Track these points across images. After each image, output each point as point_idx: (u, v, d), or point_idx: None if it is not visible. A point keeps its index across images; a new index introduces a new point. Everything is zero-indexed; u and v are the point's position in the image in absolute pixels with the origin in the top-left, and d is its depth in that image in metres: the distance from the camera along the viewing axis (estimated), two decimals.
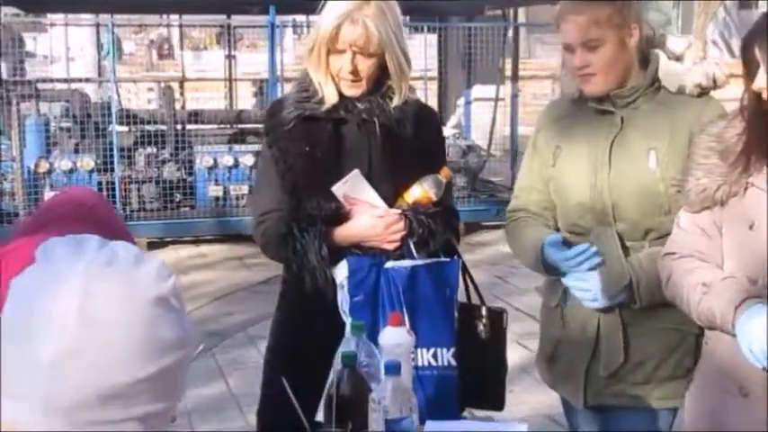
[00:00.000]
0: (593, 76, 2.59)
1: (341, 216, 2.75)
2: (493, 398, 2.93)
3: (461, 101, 10.85)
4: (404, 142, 2.81)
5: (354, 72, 2.72)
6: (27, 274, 1.16)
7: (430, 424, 2.49)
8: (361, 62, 2.72)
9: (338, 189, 2.75)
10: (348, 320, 2.68)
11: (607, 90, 2.61)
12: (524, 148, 9.47)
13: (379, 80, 2.78)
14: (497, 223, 8.95)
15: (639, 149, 2.60)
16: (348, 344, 2.35)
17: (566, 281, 2.66)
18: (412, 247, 2.77)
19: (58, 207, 1.95)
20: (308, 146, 2.80)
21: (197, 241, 8.84)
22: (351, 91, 2.76)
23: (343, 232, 2.75)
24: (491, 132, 10.38)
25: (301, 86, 2.82)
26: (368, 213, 2.74)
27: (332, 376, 2.58)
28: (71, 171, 8.26)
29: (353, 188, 2.76)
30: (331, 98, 2.76)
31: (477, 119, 10.75)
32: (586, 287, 2.61)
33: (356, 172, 2.75)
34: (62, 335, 1.10)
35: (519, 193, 2.90)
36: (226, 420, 4.98)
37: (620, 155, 2.62)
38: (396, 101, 2.79)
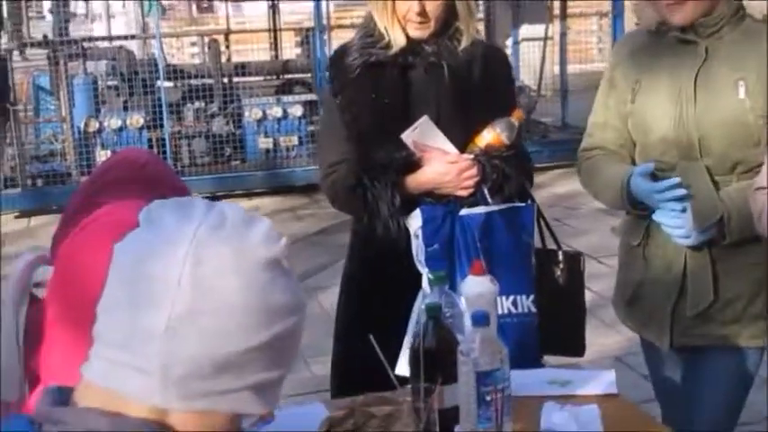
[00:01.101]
0: (684, 3, 2.47)
1: (412, 164, 2.67)
2: (572, 344, 2.87)
3: (509, 41, 10.65)
4: (473, 85, 2.71)
5: (422, 13, 2.63)
6: (133, 239, 1.10)
7: (514, 374, 2.43)
8: (429, 2, 2.62)
9: (408, 136, 2.67)
10: (424, 271, 2.62)
11: (696, 18, 2.50)
12: (574, 87, 9.34)
13: (447, 22, 2.68)
14: (550, 165, 8.84)
15: (726, 80, 2.50)
16: (430, 295, 2.28)
17: (656, 217, 2.56)
18: (486, 192, 2.69)
19: (112, 169, 1.90)
20: (375, 93, 2.72)
21: (249, 194, 8.81)
22: (418, 33, 2.67)
23: (415, 180, 2.67)
24: (540, 72, 10.20)
25: (365, 32, 2.74)
26: (439, 160, 2.66)
27: (411, 329, 2.53)
28: (121, 129, 8.24)
29: (423, 134, 2.68)
30: (398, 41, 2.67)
31: (526, 59, 10.55)
32: (678, 223, 2.51)
33: (425, 118, 2.67)
34: (176, 300, 1.05)
35: (593, 131, 2.80)
36: (290, 372, 4.96)
37: (705, 86, 2.51)
38: (464, 42, 2.70)
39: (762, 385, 3.11)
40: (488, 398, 1.97)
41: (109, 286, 1.10)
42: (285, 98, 8.84)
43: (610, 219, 7.11)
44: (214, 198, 8.68)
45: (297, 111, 8.63)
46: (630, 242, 2.77)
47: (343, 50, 2.80)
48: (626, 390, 4.30)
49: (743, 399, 2.73)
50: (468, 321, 2.21)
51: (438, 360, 2.10)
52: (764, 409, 3.74)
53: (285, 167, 8.59)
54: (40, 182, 8.43)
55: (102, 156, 7.98)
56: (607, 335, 4.93)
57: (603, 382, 2.38)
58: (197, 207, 1.12)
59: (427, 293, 2.50)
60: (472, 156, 2.69)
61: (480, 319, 2.04)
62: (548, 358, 2.86)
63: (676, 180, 2.48)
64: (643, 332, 2.81)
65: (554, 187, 8.30)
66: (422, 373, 2.07)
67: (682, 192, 2.47)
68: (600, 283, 5.00)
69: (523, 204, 2.75)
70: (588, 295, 5.21)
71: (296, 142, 8.59)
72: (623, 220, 2.86)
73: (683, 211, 2.48)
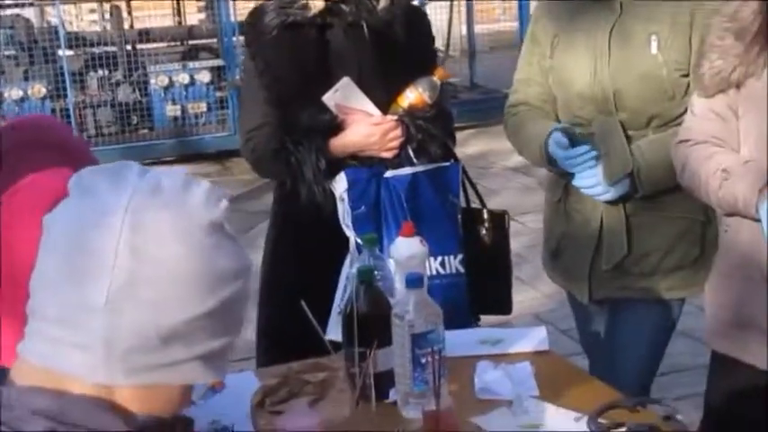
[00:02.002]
0: None
1: (335, 127, 2.63)
2: (501, 302, 2.87)
3: (416, 1, 10.59)
4: (394, 45, 2.67)
5: None
6: (64, 210, 1.04)
7: (446, 335, 2.42)
8: None
9: (329, 98, 2.63)
10: (352, 234, 2.58)
11: None
12: (481, 48, 9.34)
13: None
14: (459, 125, 8.80)
15: (640, 35, 2.51)
16: (359, 258, 2.25)
17: (574, 182, 2.58)
18: (411, 153, 2.67)
19: (12, 134, 1.80)
20: (294, 54, 2.66)
21: (158, 163, 8.63)
22: None
23: (339, 143, 2.63)
24: (448, 33, 10.18)
25: None
26: (363, 122, 2.63)
27: (340, 293, 2.50)
28: (22, 99, 7.99)
29: (345, 96, 2.63)
30: (317, 2, 2.61)
31: (434, 20, 10.49)
32: (593, 182, 2.54)
33: (346, 79, 2.62)
34: (115, 271, 0.99)
35: (518, 87, 2.80)
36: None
37: (619, 42, 2.52)
38: (383, 2, 2.65)
39: (678, 336, 3.18)
40: (424, 360, 1.95)
41: (41, 261, 1.04)
42: (192, 64, 8.67)
43: (521, 177, 7.20)
44: None
45: (204, 77, 8.48)
46: (552, 198, 2.79)
47: (259, 11, 2.73)
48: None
49: (663, 349, 2.78)
50: (399, 284, 2.19)
51: (371, 324, 2.07)
52: (683, 359, 3.84)
53: (194, 135, 8.44)
54: None
55: None
56: (526, 292, 4.99)
57: (535, 338, 2.39)
58: (131, 172, 1.06)
59: (356, 257, 2.48)
60: (396, 117, 2.65)
61: (415, 281, 2.02)
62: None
63: (586, 148, 2.49)
64: (566, 286, 2.85)
65: (465, 147, 8.32)
66: (355, 337, 2.05)
67: (592, 155, 2.49)
68: (515, 241, 5.01)
69: (448, 164, 2.73)
70: None
71: (204, 109, 8.43)
72: (546, 176, 2.88)
73: (594, 167, 2.51)
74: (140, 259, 0.99)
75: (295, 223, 2.74)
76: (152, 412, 1.03)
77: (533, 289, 5.10)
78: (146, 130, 8.63)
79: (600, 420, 1.49)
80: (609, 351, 2.76)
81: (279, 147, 2.61)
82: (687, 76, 2.50)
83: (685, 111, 2.41)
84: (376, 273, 2.23)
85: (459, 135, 9.34)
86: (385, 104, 2.67)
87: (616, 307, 2.73)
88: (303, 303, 2.10)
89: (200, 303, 1.01)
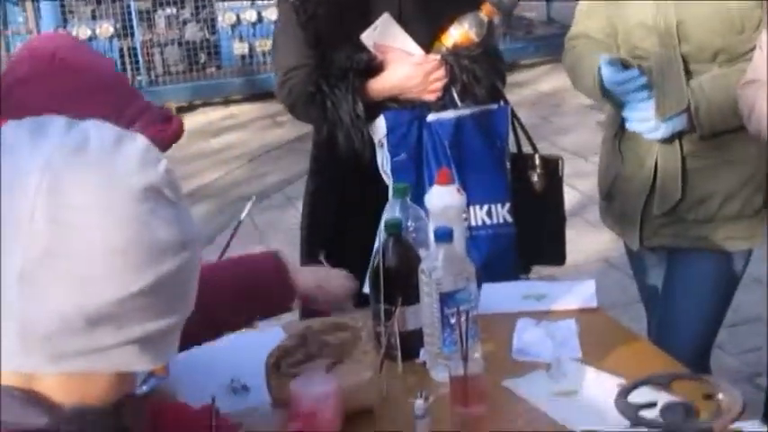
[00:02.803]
0: None
1: (374, 67, 2.48)
2: (553, 252, 2.72)
3: None
4: None
5: None
6: None
7: (486, 288, 2.28)
8: None
9: (368, 37, 2.48)
10: (391, 182, 2.45)
11: None
12: None
13: None
14: (535, 61, 8.60)
15: None
16: (392, 209, 2.12)
17: (624, 113, 2.40)
18: (455, 95, 2.51)
19: (19, 65, 1.65)
20: None
21: (226, 102, 8.57)
22: None
23: (378, 85, 2.48)
24: None
25: None
26: (404, 62, 2.47)
27: (377, 246, 2.37)
28: (90, 39, 7.93)
29: (385, 34, 2.48)
30: None
31: None
32: (644, 116, 2.36)
33: (386, 16, 2.47)
34: (29, 242, 0.86)
35: (579, 18, 2.64)
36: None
37: None
38: None
39: (751, 284, 2.99)
40: (453, 320, 1.82)
41: None
42: (259, 1, 8.53)
43: (596, 114, 6.92)
44: (190, 107, 8.49)
45: (272, 14, 8.31)
46: (608, 135, 2.62)
47: None
48: (613, 292, 4.24)
49: (725, 304, 2.59)
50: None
51: (399, 280, 1.95)
52: (758, 309, 3.63)
53: (262, 73, 8.32)
54: None
55: None
56: (593, 236, 4.77)
57: (582, 294, 2.23)
58: (54, 127, 0.92)
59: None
60: (439, 56, 2.49)
61: (443, 236, 1.88)
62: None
63: (635, 72, 2.31)
64: (618, 231, 2.68)
65: (539, 84, 8.09)
66: (381, 294, 1.92)
67: (641, 81, 2.30)
68: (586, 182, 4.83)
69: (496, 106, 2.57)
70: (574, 195, 5.11)
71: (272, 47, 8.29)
72: (606, 112, 2.70)
73: (648, 100, 2.33)
74: (59, 228, 0.86)
75: (333, 171, 2.61)
76: (83, 402, 0.92)
77: (602, 233, 4.91)
78: (213, 69, 8.54)
79: (629, 400, 1.34)
80: (665, 304, 2.59)
81: (314, 89, 2.48)
82: (759, 8, 2.30)
83: (755, 47, 2.23)
84: (410, 224, 2.10)
85: (534, 71, 9.11)
86: (427, 43, 2.51)
87: (672, 257, 2.56)
88: (322, 257, 1.98)
89: (133, 280, 0.88)
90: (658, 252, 2.60)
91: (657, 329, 2.59)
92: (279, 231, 5.40)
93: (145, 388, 0.96)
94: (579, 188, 5.19)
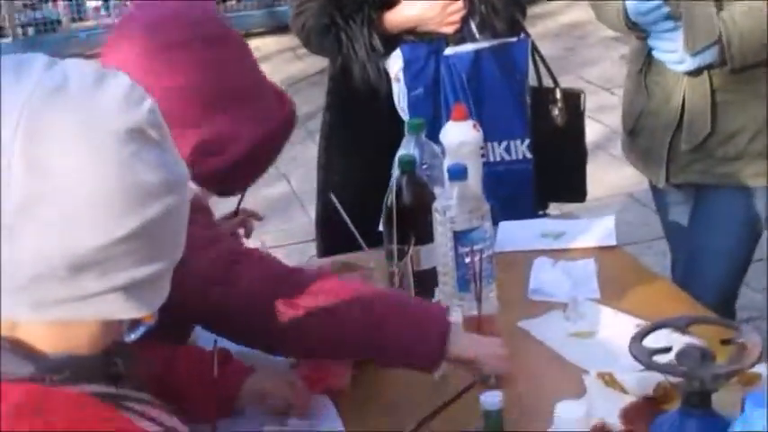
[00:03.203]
0: None
1: None
2: (573, 188, 2.66)
3: None
4: None
5: None
6: None
7: (504, 225, 2.24)
8: None
9: None
10: (407, 118, 2.39)
11: None
12: None
13: None
14: None
15: None
16: (407, 146, 2.07)
17: (649, 41, 2.32)
18: (474, 28, 2.44)
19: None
20: None
21: (248, 35, 8.47)
22: None
23: (394, 17, 2.42)
24: None
25: None
26: None
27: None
28: None
29: None
30: None
31: None
32: (670, 47, 2.28)
33: None
34: (8, 188, 0.83)
35: None
36: (288, 220, 4.83)
37: None
38: None
39: None
40: (467, 260, 1.78)
41: None
42: None
43: (620, 47, 6.78)
44: None
45: None
46: (633, 69, 2.53)
47: None
48: (636, 228, 4.19)
49: (752, 243, 2.53)
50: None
51: (413, 219, 1.91)
52: None
53: (283, 5, 8.22)
54: (30, 30, 8.15)
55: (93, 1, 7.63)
56: (618, 170, 4.69)
57: (601, 232, 2.19)
58: (36, 65, 0.88)
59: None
60: None
61: (457, 173, 1.84)
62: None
63: (660, 1, 2.22)
64: (643, 169, 2.60)
65: (562, 15, 7.92)
66: (395, 233, 1.88)
67: (664, 12, 2.22)
68: (610, 115, 4.73)
69: (515, 39, 2.49)
70: (598, 128, 5.03)
71: None
72: (631, 46, 2.61)
73: (674, 30, 2.24)
74: (39, 173, 0.83)
75: (348, 106, 2.56)
76: (69, 351, 0.89)
77: (626, 166, 4.84)
78: (233, 2, 8.47)
79: (643, 344, 1.30)
80: (690, 243, 2.53)
81: (328, 22, 2.42)
82: None
83: None
84: (425, 161, 2.06)
85: (555, 3, 8.89)
86: None
87: (698, 194, 2.49)
88: (332, 196, 1.94)
89: (117, 226, 0.85)
90: (684, 189, 2.53)
91: (683, 269, 2.53)
92: (299, 166, 5.36)
93: (133, 336, 0.93)
94: (604, 121, 5.10)
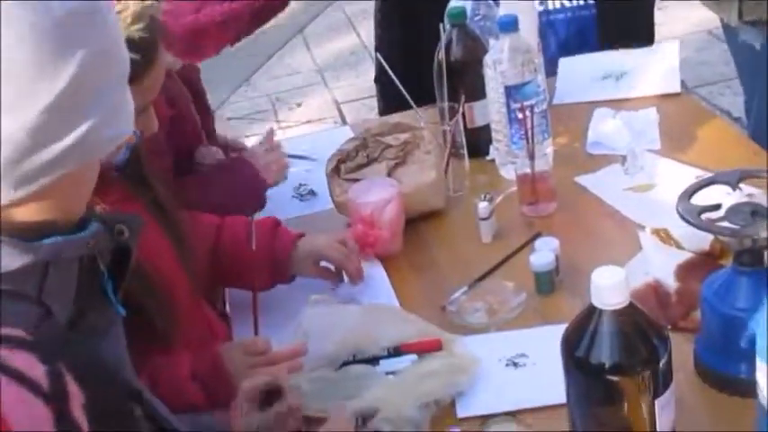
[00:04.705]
0: None
1: None
2: (639, 31, 2.53)
3: None
4: None
5: None
6: None
7: (564, 64, 2.16)
8: None
9: None
10: None
11: None
12: None
13: None
14: None
15: None
16: None
17: None
18: None
19: None
20: None
21: None
22: None
23: None
24: None
25: None
26: None
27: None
28: None
29: None
30: None
31: None
32: None
33: None
34: None
35: None
36: (361, 74, 4.76)
37: None
38: None
39: None
40: (519, 115, 1.71)
41: None
42: None
43: None
44: None
45: None
46: None
47: None
48: (717, 65, 4.02)
49: None
50: None
51: (464, 74, 1.85)
52: None
53: None
54: None
55: None
56: (695, 6, 4.49)
57: (665, 70, 2.09)
58: None
59: None
60: None
61: (507, 24, 1.76)
62: None
63: None
64: (714, 8, 2.45)
65: None
66: (445, 90, 1.82)
67: None
68: None
69: None
70: None
71: None
72: None
73: None
74: None
75: None
76: (66, 218, 0.88)
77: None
78: None
79: (692, 202, 1.24)
80: (763, 85, 2.41)
81: None
82: None
83: None
84: (478, 13, 1.98)
85: None
86: None
87: None
88: (379, 56, 1.88)
89: (58, 71, 0.82)
90: (758, 26, 2.39)
91: (756, 111, 2.42)
92: (369, 18, 5.25)
93: (121, 157, 0.93)
94: None
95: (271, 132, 1.93)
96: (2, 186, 0.83)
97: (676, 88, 2.05)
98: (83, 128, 0.86)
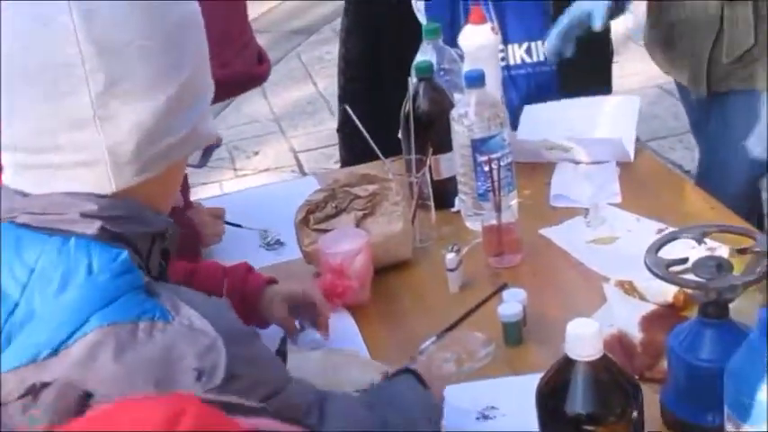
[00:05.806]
0: None
1: None
2: (598, 86, 2.59)
3: None
4: None
5: None
6: None
7: (527, 110, 2.19)
8: None
9: None
10: (423, 20, 2.33)
11: None
12: None
13: None
14: None
15: None
16: (424, 51, 2.02)
17: None
18: None
19: None
20: None
21: None
22: None
23: None
24: None
25: None
26: None
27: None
28: None
29: None
30: None
31: None
32: None
33: None
34: (88, 77, 0.90)
35: None
36: (318, 123, 4.80)
37: None
38: None
39: None
40: (485, 168, 1.75)
41: (3, 93, 0.94)
42: None
43: None
44: None
45: None
46: None
47: None
48: (667, 120, 4.11)
49: None
50: None
51: (431, 126, 1.88)
52: None
53: None
54: None
55: None
56: (649, 60, 4.60)
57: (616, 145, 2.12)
58: None
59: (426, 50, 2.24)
60: None
61: (474, 79, 1.80)
62: None
63: None
64: (679, 77, 2.50)
65: None
66: (412, 142, 1.86)
67: None
68: (640, 5, 4.61)
69: None
70: (628, 17, 4.89)
71: None
72: None
73: None
74: (108, 52, 0.90)
75: (365, 8, 2.50)
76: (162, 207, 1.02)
77: None
78: None
79: (659, 255, 1.28)
80: (719, 141, 2.46)
81: None
82: None
83: None
84: (444, 67, 2.02)
85: None
86: None
87: (728, 96, 2.39)
88: (348, 108, 1.91)
89: (180, 67, 0.94)
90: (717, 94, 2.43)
91: (708, 164, 2.48)
92: (327, 67, 5.30)
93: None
94: (634, 10, 4.97)
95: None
96: (126, 171, 0.94)
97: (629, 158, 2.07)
98: (193, 118, 0.97)
